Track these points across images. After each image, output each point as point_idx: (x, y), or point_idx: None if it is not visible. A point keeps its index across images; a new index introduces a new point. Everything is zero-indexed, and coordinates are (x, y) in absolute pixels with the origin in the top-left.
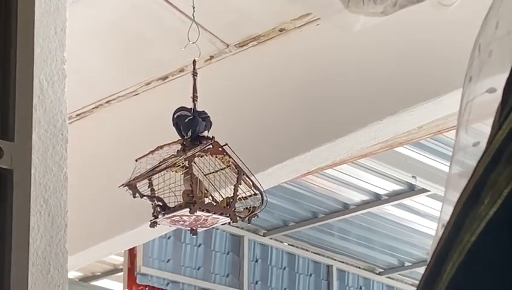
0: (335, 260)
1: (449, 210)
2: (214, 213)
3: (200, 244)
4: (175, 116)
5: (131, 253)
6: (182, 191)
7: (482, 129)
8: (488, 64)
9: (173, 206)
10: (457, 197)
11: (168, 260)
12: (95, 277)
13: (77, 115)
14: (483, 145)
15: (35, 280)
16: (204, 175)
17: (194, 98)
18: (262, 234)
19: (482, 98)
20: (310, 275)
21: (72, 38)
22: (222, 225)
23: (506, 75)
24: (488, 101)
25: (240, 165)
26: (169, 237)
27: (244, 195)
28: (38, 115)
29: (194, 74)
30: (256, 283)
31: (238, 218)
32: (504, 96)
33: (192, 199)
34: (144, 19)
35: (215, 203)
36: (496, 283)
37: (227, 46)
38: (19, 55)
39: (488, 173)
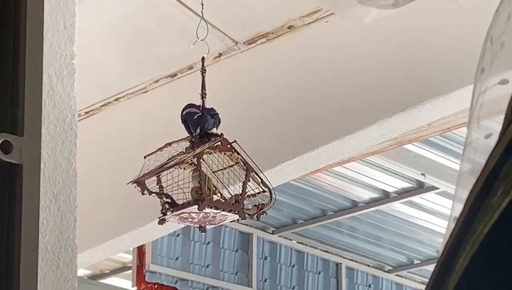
0: (344, 257)
1: (460, 208)
2: (223, 210)
3: (208, 242)
4: (184, 113)
5: (140, 251)
6: (190, 188)
7: (495, 121)
8: (500, 55)
9: (182, 203)
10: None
11: (177, 258)
12: (104, 275)
13: (86, 113)
14: (495, 137)
15: (45, 275)
16: (213, 172)
17: (203, 95)
18: (271, 232)
19: (494, 90)
20: (319, 272)
21: (80, 36)
22: (231, 222)
23: None
24: (500, 93)
25: (249, 162)
26: (178, 235)
27: (252, 192)
28: (48, 110)
29: (203, 71)
30: (265, 281)
31: (246, 215)
32: None
33: (201, 196)
34: (152, 16)
35: (223, 201)
36: (509, 275)
37: (236, 43)
38: (28, 50)
39: (501, 164)
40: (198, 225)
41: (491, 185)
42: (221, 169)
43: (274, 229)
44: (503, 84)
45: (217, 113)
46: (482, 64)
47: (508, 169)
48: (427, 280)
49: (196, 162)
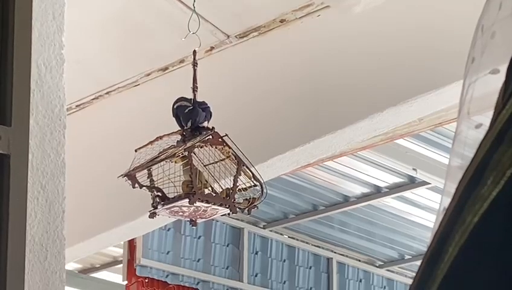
0: (335, 252)
1: (448, 202)
2: (214, 204)
3: (199, 236)
4: (175, 106)
5: (131, 245)
6: (181, 182)
7: (486, 116)
8: (490, 45)
9: (173, 196)
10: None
11: (168, 252)
12: (94, 269)
13: (77, 106)
14: (485, 128)
15: (32, 267)
16: (204, 166)
17: (194, 89)
18: (262, 227)
19: (485, 80)
20: (310, 267)
21: (72, 29)
22: (221, 216)
23: (509, 55)
24: (491, 82)
25: (240, 156)
26: (169, 229)
27: (244, 186)
28: (36, 100)
29: (195, 64)
30: (256, 276)
31: (237, 209)
32: (508, 75)
33: (192, 190)
34: (144, 9)
35: (214, 194)
36: (499, 265)
37: (228, 37)
38: (16, 39)
39: (491, 153)
40: (189, 219)
41: (481, 175)
42: (213, 163)
43: (265, 223)
44: (494, 73)
45: (209, 107)
46: (473, 53)
47: (499, 158)
48: None
49: (187, 156)
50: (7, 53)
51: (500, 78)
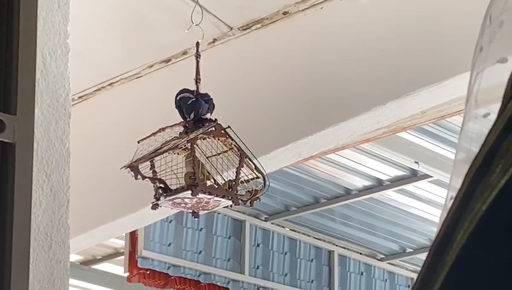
0: (336, 245)
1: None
2: (216, 196)
3: (201, 229)
4: (178, 98)
5: (133, 236)
6: (184, 174)
7: (492, 112)
8: (499, 34)
9: (175, 188)
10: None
11: (170, 244)
12: (96, 261)
13: (79, 98)
14: (493, 116)
15: (37, 256)
16: (207, 157)
17: (197, 81)
18: (263, 219)
19: (493, 68)
20: (311, 260)
21: (74, 21)
22: (224, 208)
23: None
24: (499, 71)
25: (243, 148)
26: (170, 221)
27: (246, 178)
28: (41, 89)
29: (197, 55)
30: (257, 268)
31: (240, 201)
32: None
33: (194, 182)
34: (147, 1)
35: (217, 186)
36: (507, 253)
37: (231, 29)
38: (22, 28)
39: (500, 141)
40: (191, 211)
41: (490, 162)
42: (215, 154)
43: (267, 216)
44: (502, 62)
45: (211, 99)
46: (481, 42)
47: (507, 146)
48: (419, 269)
49: (190, 147)
50: (12, 42)
51: (509, 67)
